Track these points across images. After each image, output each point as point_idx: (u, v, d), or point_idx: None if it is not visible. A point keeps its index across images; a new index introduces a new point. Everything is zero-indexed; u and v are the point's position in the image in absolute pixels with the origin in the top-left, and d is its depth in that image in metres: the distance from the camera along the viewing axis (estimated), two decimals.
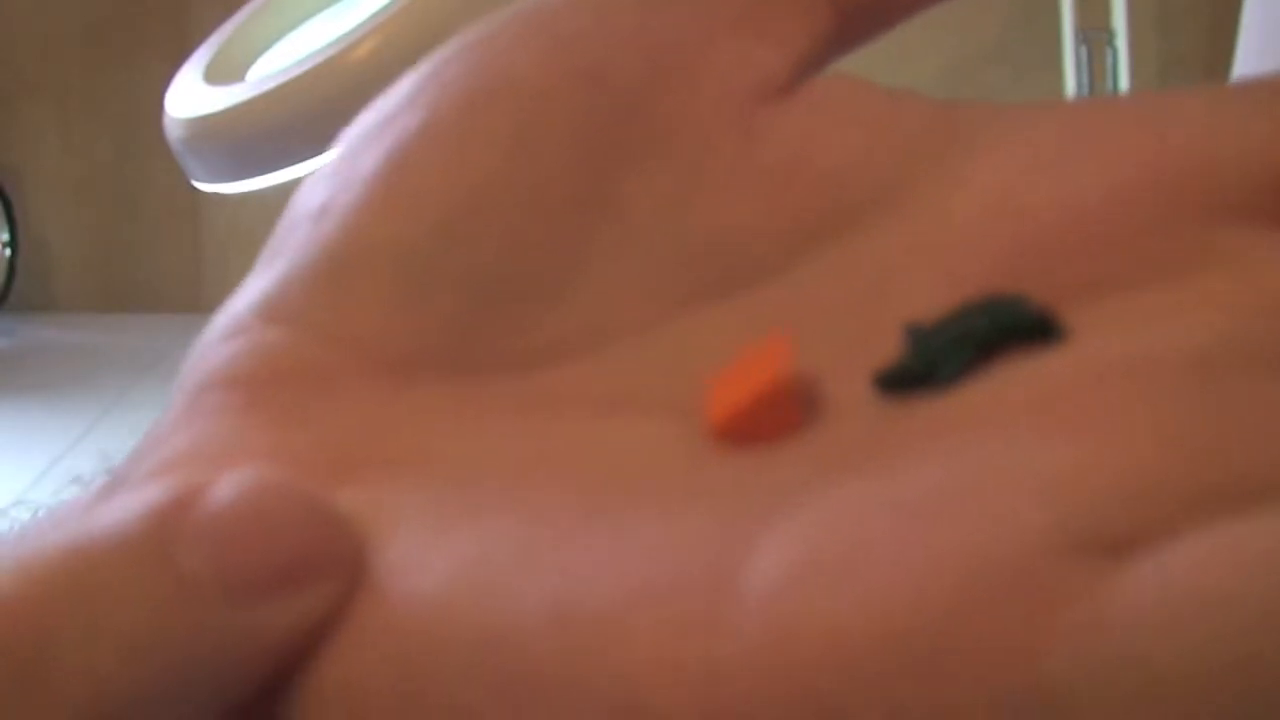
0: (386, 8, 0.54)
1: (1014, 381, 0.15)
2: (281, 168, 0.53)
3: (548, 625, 0.14)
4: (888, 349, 0.16)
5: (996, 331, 0.15)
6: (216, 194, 0.59)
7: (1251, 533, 0.13)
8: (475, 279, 0.17)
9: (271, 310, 0.17)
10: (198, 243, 1.13)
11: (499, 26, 0.19)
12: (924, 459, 0.14)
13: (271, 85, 0.54)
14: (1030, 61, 1.30)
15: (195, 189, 0.60)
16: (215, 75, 0.62)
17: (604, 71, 0.18)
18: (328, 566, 0.15)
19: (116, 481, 0.19)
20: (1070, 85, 0.80)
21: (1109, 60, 0.80)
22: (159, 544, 0.14)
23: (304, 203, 0.18)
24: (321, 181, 0.18)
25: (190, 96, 0.60)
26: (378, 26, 0.53)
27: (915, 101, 0.18)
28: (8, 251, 1.10)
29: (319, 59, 0.53)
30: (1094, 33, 0.80)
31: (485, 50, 0.18)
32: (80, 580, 0.14)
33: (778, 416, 0.16)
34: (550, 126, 0.18)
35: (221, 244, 1.09)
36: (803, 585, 0.13)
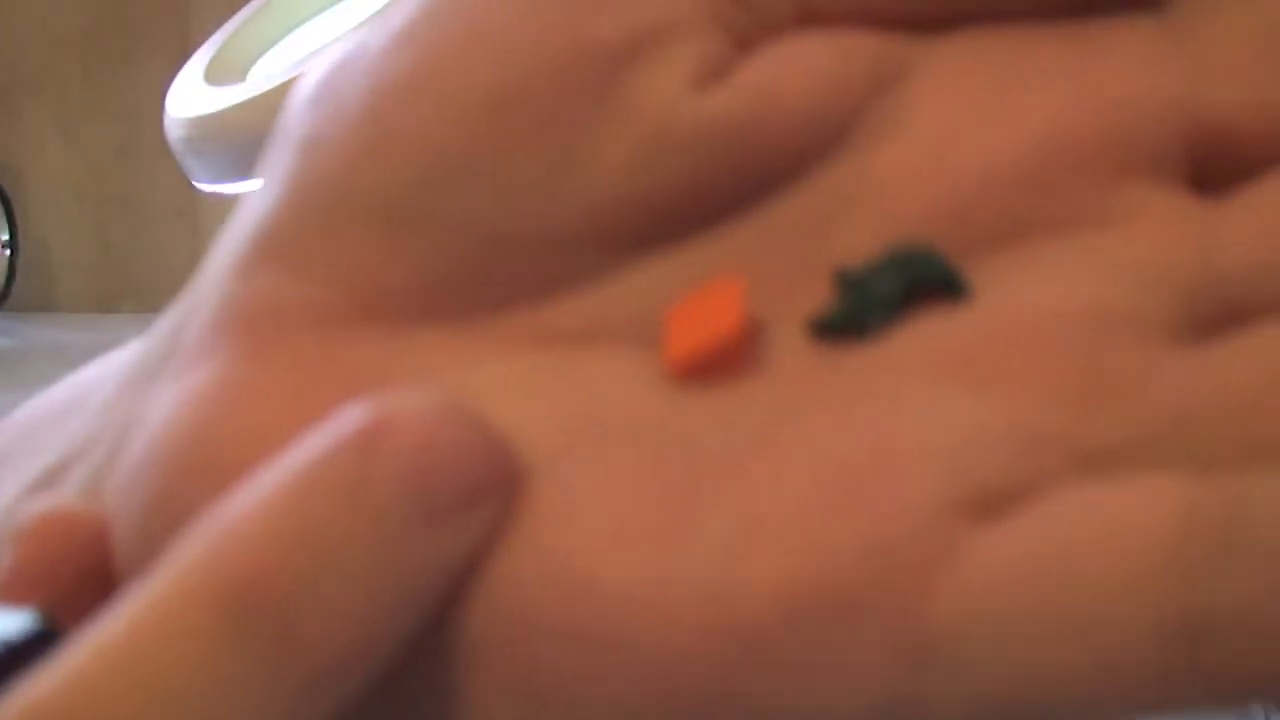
0: (386, 7, 0.54)
1: (926, 338, 0.17)
2: None
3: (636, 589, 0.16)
4: (824, 292, 0.18)
5: (914, 285, 0.18)
6: (216, 194, 0.59)
7: (1099, 500, 0.15)
8: (458, 228, 0.18)
9: (270, 248, 0.18)
10: (198, 243, 1.13)
11: None
12: (851, 420, 0.16)
13: (271, 85, 0.54)
14: None
15: (195, 189, 0.60)
16: (216, 75, 0.61)
17: (591, 37, 0.18)
18: (498, 485, 0.17)
19: (149, 369, 0.20)
20: None
21: None
22: (361, 481, 0.15)
23: (295, 127, 0.20)
24: (312, 106, 0.19)
25: (191, 96, 0.60)
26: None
27: (862, 40, 0.19)
28: (7, 252, 1.10)
29: (319, 59, 0.53)
30: None
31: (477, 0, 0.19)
32: (310, 538, 0.15)
33: (729, 357, 0.18)
34: (535, 83, 0.18)
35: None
36: (742, 543, 0.16)
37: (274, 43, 0.64)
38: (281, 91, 0.53)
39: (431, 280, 0.19)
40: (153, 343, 0.20)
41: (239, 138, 0.54)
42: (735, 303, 0.18)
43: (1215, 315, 0.17)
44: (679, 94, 0.18)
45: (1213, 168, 0.18)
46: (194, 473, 0.18)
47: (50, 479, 0.20)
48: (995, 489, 0.16)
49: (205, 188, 0.59)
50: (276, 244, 0.18)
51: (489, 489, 0.17)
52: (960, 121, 0.18)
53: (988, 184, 0.18)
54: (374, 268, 0.18)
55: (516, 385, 0.18)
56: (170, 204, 1.08)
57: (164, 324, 0.20)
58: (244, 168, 0.54)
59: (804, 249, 0.19)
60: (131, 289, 1.12)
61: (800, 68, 0.19)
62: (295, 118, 0.19)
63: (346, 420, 0.16)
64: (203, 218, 1.07)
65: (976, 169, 0.18)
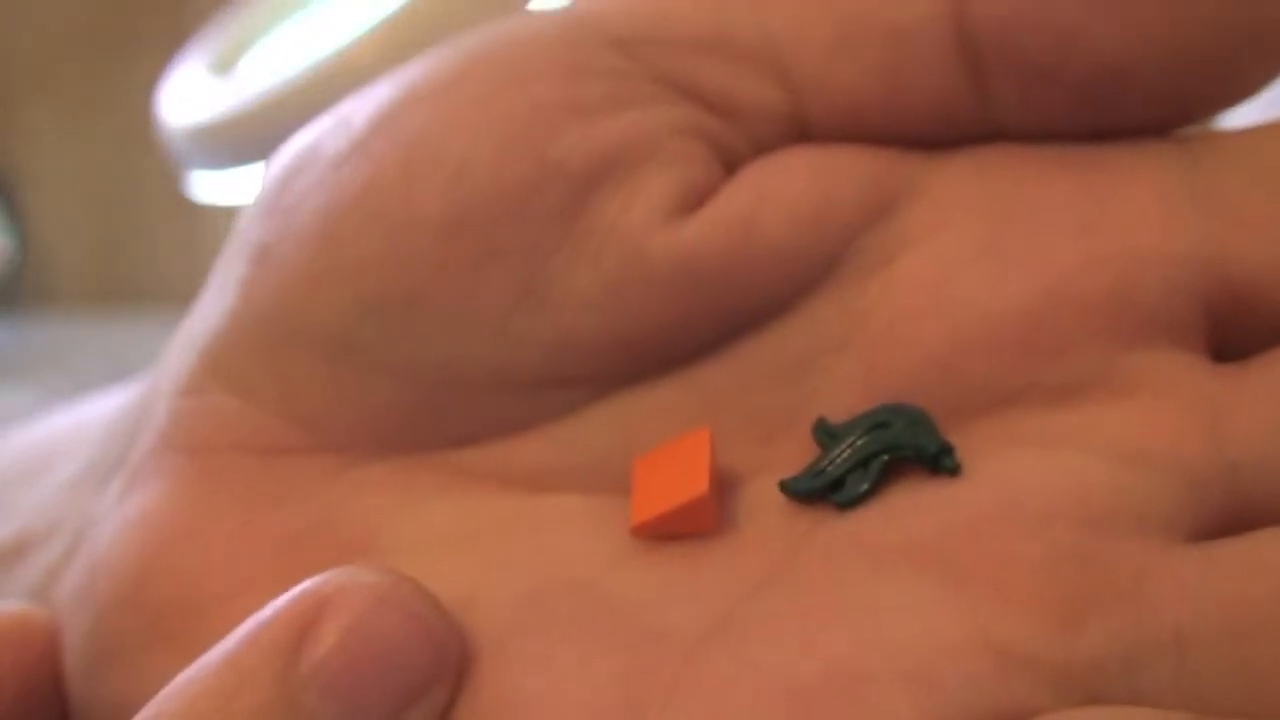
0: (387, 7, 0.53)
1: (905, 520, 0.16)
2: None
3: None
4: (803, 444, 0.17)
5: (899, 454, 0.16)
6: (213, 196, 0.59)
7: None
8: (407, 365, 0.17)
9: (220, 369, 0.18)
10: (198, 243, 1.13)
11: (460, 74, 0.18)
12: (816, 616, 0.15)
13: (271, 86, 0.54)
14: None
15: None
16: (208, 70, 0.61)
17: (556, 157, 0.17)
18: (442, 676, 0.15)
19: (105, 467, 0.19)
20: None
21: None
22: (283, 691, 0.15)
23: (246, 234, 0.19)
24: (266, 215, 0.18)
25: (183, 91, 0.60)
26: (378, 26, 0.53)
27: (852, 163, 0.17)
28: (8, 251, 1.10)
29: (319, 59, 0.53)
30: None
31: (440, 108, 0.17)
32: None
33: (696, 523, 0.16)
34: (491, 208, 0.17)
35: (221, 244, 1.09)
36: None
37: (266, 35, 0.64)
38: (281, 91, 0.53)
39: (382, 415, 0.18)
40: (112, 436, 0.20)
41: (231, 134, 0.54)
42: (702, 462, 0.16)
43: (1227, 510, 0.16)
44: (651, 223, 0.17)
45: (1236, 332, 0.17)
46: (130, 610, 0.17)
47: (7, 555, 0.20)
48: (968, 715, 0.14)
49: (198, 192, 0.59)
50: (227, 366, 0.18)
51: (427, 684, 0.15)
52: (958, 263, 0.17)
53: (983, 339, 0.17)
54: (323, 399, 0.18)
55: (468, 536, 0.17)
56: (170, 204, 1.08)
57: (126, 417, 0.20)
58: (235, 163, 0.54)
59: (785, 395, 0.17)
60: (131, 288, 1.12)
61: (782, 196, 0.17)
62: (248, 224, 0.19)
63: (277, 610, 0.15)
64: (203, 218, 1.07)
65: (972, 321, 0.17)
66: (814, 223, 0.17)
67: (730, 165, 0.18)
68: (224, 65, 0.61)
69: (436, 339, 0.17)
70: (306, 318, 0.18)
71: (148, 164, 1.13)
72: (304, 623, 0.15)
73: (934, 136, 0.18)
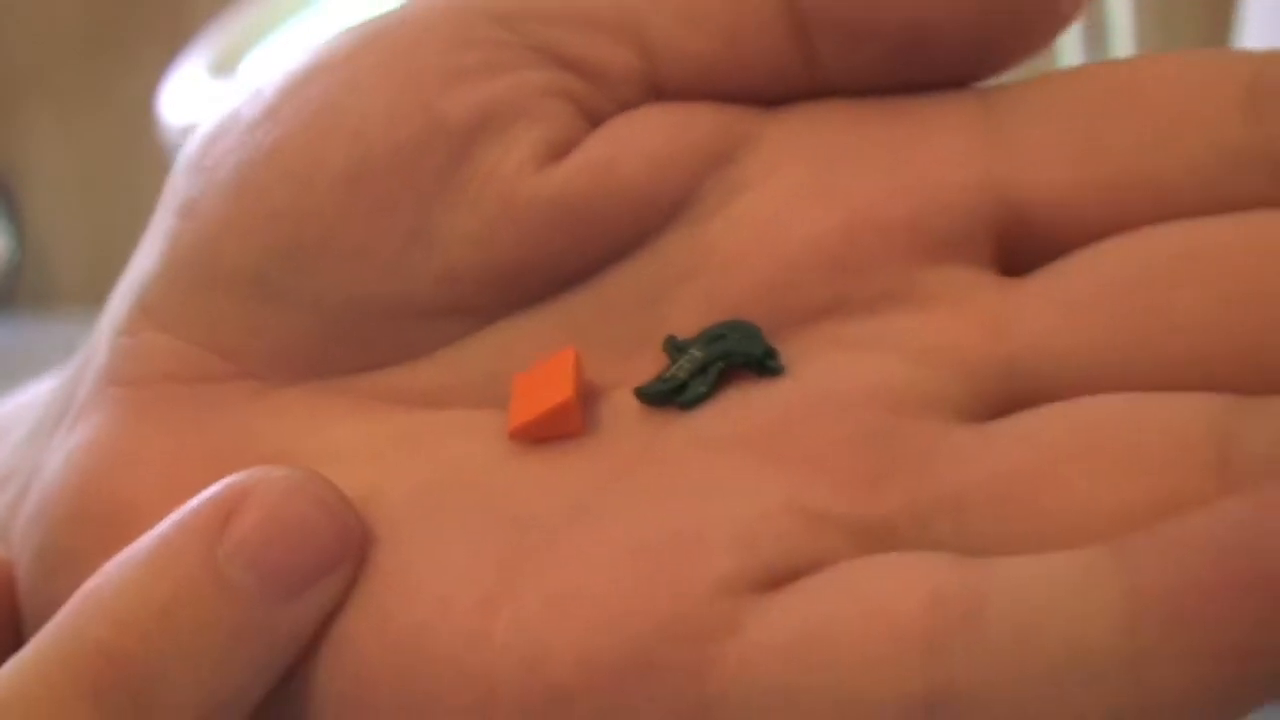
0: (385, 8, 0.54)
1: (738, 415, 0.19)
2: None
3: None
4: (657, 359, 0.20)
5: (734, 359, 0.19)
6: None
7: (862, 578, 0.16)
8: (317, 298, 0.20)
9: (152, 309, 0.20)
10: None
11: (358, 47, 0.20)
12: (661, 494, 0.18)
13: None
14: (1031, 61, 1.30)
15: None
16: (208, 71, 0.62)
17: (444, 114, 0.19)
18: (345, 557, 0.18)
19: (53, 417, 0.22)
20: None
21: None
22: (212, 561, 0.17)
23: (175, 191, 0.22)
24: (190, 172, 0.21)
25: (184, 93, 0.60)
26: None
27: (700, 116, 0.20)
28: (8, 251, 1.10)
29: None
30: (1095, 33, 0.80)
31: (340, 75, 0.20)
32: (167, 616, 0.16)
33: (563, 426, 0.19)
34: (386, 160, 0.19)
35: None
36: (555, 614, 0.17)
37: (266, 37, 0.64)
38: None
39: (295, 345, 0.20)
40: (59, 389, 0.22)
41: None
42: (568, 375, 0.19)
43: (1004, 396, 0.19)
44: (522, 171, 0.20)
45: (1023, 248, 0.19)
46: (74, 525, 0.19)
47: None
48: (780, 565, 0.17)
49: None
50: (157, 306, 0.20)
51: (335, 561, 0.18)
52: (786, 201, 0.20)
53: (806, 263, 0.19)
54: (243, 333, 0.20)
55: (371, 447, 0.20)
56: None
57: (69, 371, 0.23)
58: None
59: (642, 318, 0.20)
60: None
61: (638, 145, 0.20)
62: (176, 181, 0.21)
63: (203, 500, 0.17)
64: None
65: (796, 248, 0.20)
66: (665, 167, 0.20)
67: (595, 121, 0.21)
68: (225, 67, 0.61)
69: (340, 276, 0.20)
70: (226, 261, 0.20)
71: (147, 164, 1.14)
72: (227, 509, 0.17)
73: (773, 94, 0.21)
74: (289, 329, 0.20)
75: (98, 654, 0.16)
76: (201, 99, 0.58)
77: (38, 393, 0.25)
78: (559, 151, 0.20)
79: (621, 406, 0.20)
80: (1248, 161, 0.18)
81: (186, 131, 0.58)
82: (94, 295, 1.15)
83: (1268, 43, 0.84)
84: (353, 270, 0.20)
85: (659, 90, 0.20)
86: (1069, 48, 0.80)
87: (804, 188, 0.20)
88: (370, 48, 0.20)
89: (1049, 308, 0.18)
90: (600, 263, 0.20)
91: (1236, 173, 0.18)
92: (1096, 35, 0.78)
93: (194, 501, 0.18)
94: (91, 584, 0.17)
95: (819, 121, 0.20)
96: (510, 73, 0.20)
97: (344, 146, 0.19)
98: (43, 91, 1.08)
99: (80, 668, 0.16)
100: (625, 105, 0.21)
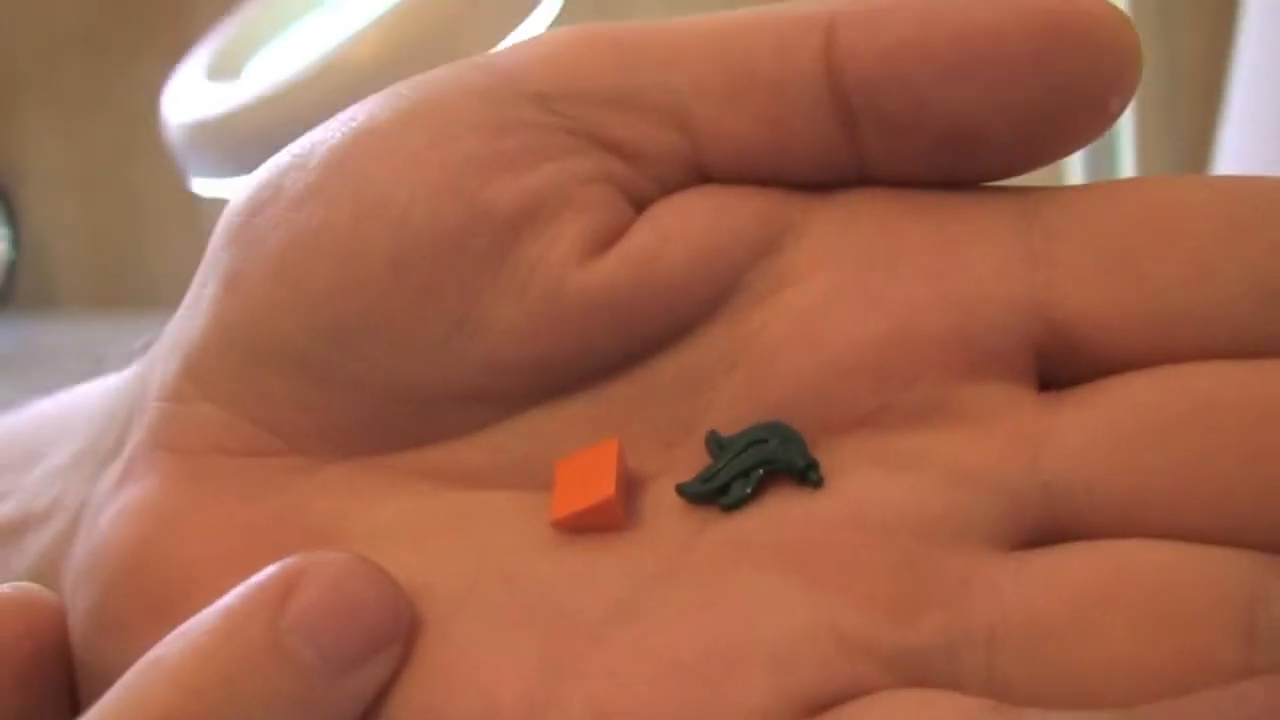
0: (386, 6, 0.54)
1: (777, 524, 0.19)
2: None
3: None
4: (698, 450, 0.20)
5: (775, 466, 0.19)
6: (214, 195, 0.59)
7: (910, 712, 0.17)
8: (360, 381, 0.20)
9: (201, 378, 0.21)
10: (198, 243, 1.13)
11: (402, 125, 0.20)
12: (702, 604, 0.18)
13: (271, 85, 0.54)
14: None
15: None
16: (212, 73, 0.62)
17: (489, 204, 0.19)
18: (398, 635, 0.18)
19: (100, 454, 0.21)
20: None
21: None
22: (274, 635, 0.17)
23: (217, 260, 0.21)
24: (234, 243, 0.21)
25: (188, 94, 0.60)
26: (378, 26, 0.53)
27: (743, 207, 0.20)
28: (8, 251, 1.10)
29: (319, 58, 0.53)
30: None
31: (384, 158, 0.20)
32: (230, 687, 0.17)
33: (605, 520, 0.19)
34: (429, 249, 0.20)
35: None
36: None
37: (269, 40, 0.64)
38: (280, 91, 0.54)
39: (340, 424, 0.20)
40: (104, 427, 0.22)
41: (235, 136, 0.54)
42: (610, 469, 0.19)
43: (1039, 523, 0.19)
44: (568, 263, 0.20)
45: (1063, 362, 0.19)
46: (126, 592, 0.20)
47: (11, 532, 0.23)
48: (816, 691, 0.17)
49: (201, 187, 0.59)
50: (205, 377, 0.20)
51: (390, 639, 0.18)
52: (829, 300, 0.20)
53: (848, 368, 0.19)
54: (289, 410, 0.20)
55: (416, 529, 0.20)
56: (171, 204, 1.08)
57: (116, 408, 0.23)
58: (240, 166, 0.54)
59: (684, 408, 0.20)
60: (131, 288, 1.13)
61: (682, 235, 0.20)
62: (220, 247, 0.21)
63: (264, 576, 0.18)
64: (204, 218, 1.07)
65: (839, 351, 0.20)
66: (709, 259, 0.20)
67: (639, 204, 0.21)
68: (227, 70, 0.61)
69: (384, 360, 0.20)
70: (272, 339, 0.20)
71: (146, 165, 1.14)
72: (286, 585, 0.18)
73: (816, 178, 0.21)
74: (334, 408, 0.20)
75: None
76: (204, 101, 0.58)
77: (69, 409, 0.24)
78: (604, 240, 0.20)
79: (663, 500, 0.20)
80: None
81: (187, 131, 0.58)
82: (92, 295, 1.15)
83: (1268, 43, 0.84)
84: (396, 356, 0.20)
85: (704, 172, 0.20)
86: None
87: (847, 288, 0.20)
88: (413, 128, 0.20)
89: (1087, 438, 0.19)
90: (643, 351, 0.20)
91: (1276, 313, 0.18)
92: None
93: (255, 577, 0.18)
94: (155, 652, 0.17)
95: (862, 215, 0.20)
96: (553, 160, 0.20)
97: (389, 233, 0.20)
98: (43, 92, 1.08)
99: None
100: (669, 186, 0.20)
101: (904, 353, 0.19)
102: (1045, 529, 0.19)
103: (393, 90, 0.21)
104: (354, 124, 0.20)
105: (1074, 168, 0.82)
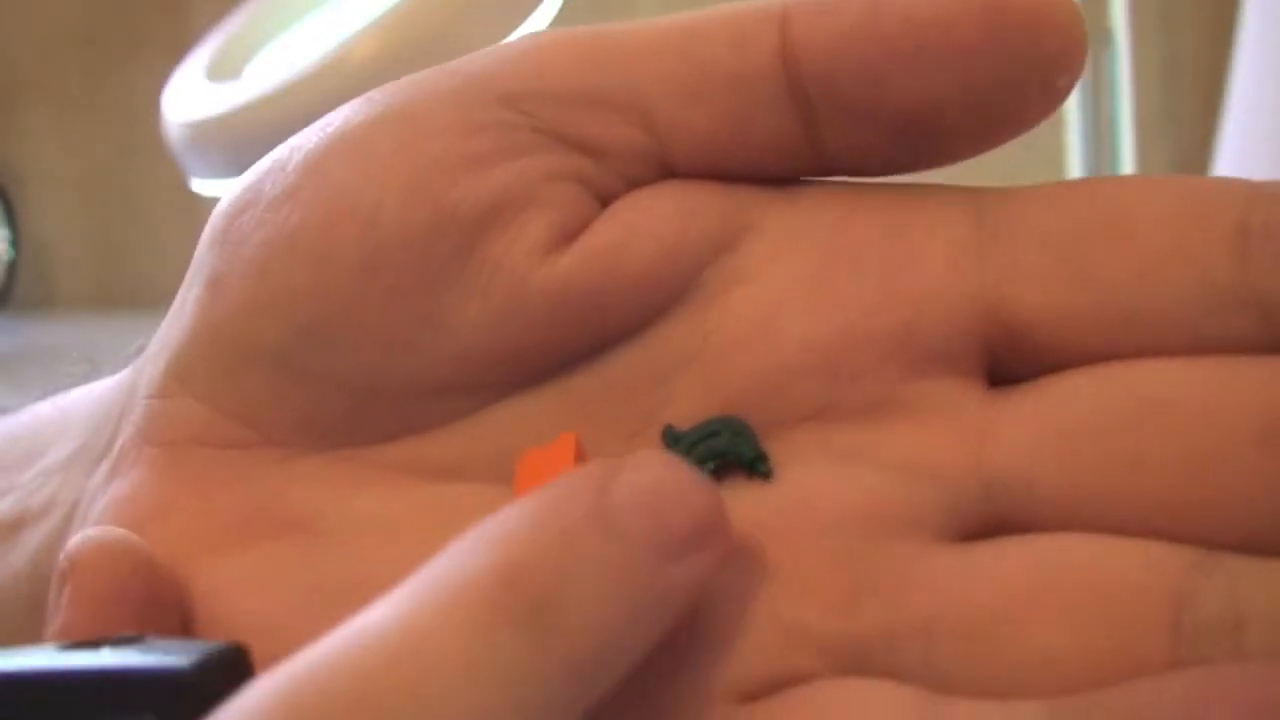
0: (386, 6, 0.54)
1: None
2: None
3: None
4: (657, 442, 0.20)
5: (726, 458, 0.20)
6: (214, 194, 0.59)
7: (829, 706, 0.17)
8: (336, 375, 0.21)
9: (185, 377, 0.21)
10: (197, 243, 1.13)
11: (373, 130, 0.21)
12: None
13: (271, 85, 0.54)
14: None
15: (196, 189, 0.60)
16: (213, 73, 0.62)
17: (454, 204, 0.20)
18: (722, 529, 0.18)
19: (93, 452, 0.22)
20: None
21: (1110, 61, 0.80)
22: (604, 507, 0.17)
23: (202, 263, 0.22)
24: (217, 246, 0.22)
25: (188, 95, 0.60)
26: (377, 26, 0.53)
27: (704, 203, 0.21)
28: (8, 251, 1.10)
29: (319, 59, 0.53)
30: (1095, 33, 0.80)
31: (356, 161, 0.21)
32: (566, 545, 0.17)
33: None
34: (399, 249, 0.20)
35: None
36: None
37: (269, 40, 0.64)
38: (281, 91, 0.54)
39: (317, 417, 0.21)
40: (97, 426, 0.23)
41: (236, 136, 0.54)
42: (569, 462, 0.20)
43: (981, 515, 0.19)
44: (530, 259, 0.20)
45: (1011, 359, 0.20)
46: None
47: (9, 528, 0.23)
48: (757, 676, 0.18)
49: (202, 187, 0.59)
50: (189, 375, 0.21)
51: (715, 534, 0.18)
52: (783, 297, 0.20)
53: (800, 365, 0.20)
54: (268, 404, 0.21)
55: (391, 521, 0.21)
56: (170, 204, 1.08)
57: (110, 408, 0.23)
58: (241, 165, 0.54)
59: (643, 400, 0.21)
60: (131, 288, 1.13)
61: (643, 232, 0.21)
62: (205, 249, 0.22)
63: (584, 468, 0.18)
64: (203, 218, 1.07)
65: (791, 348, 0.20)
66: (670, 255, 0.21)
67: (606, 200, 0.21)
68: (227, 70, 0.61)
69: (357, 355, 0.21)
70: (252, 338, 0.21)
71: (146, 166, 1.14)
72: (609, 473, 0.18)
73: (777, 172, 0.21)
74: (311, 402, 0.21)
75: (504, 574, 0.16)
76: (204, 102, 0.58)
77: (63, 410, 0.25)
78: (568, 236, 0.21)
79: None
80: (1234, 302, 0.19)
81: (187, 131, 0.58)
82: (92, 296, 1.15)
83: (1268, 42, 0.84)
84: (368, 350, 0.21)
85: (668, 167, 0.21)
86: None
87: (802, 285, 0.20)
88: (384, 132, 0.21)
89: (1029, 434, 0.19)
90: (605, 344, 0.21)
91: (1223, 312, 0.19)
92: (1098, 37, 0.78)
93: (573, 472, 0.18)
94: (479, 528, 0.17)
95: (819, 213, 0.21)
96: (519, 159, 0.20)
97: (359, 233, 0.20)
98: (42, 92, 1.08)
99: (486, 587, 0.16)
100: (634, 182, 0.21)
101: (853, 350, 0.20)
102: (987, 522, 0.19)
103: (367, 96, 0.21)
104: (329, 129, 0.21)
105: (1074, 168, 0.82)
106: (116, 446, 0.22)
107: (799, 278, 0.20)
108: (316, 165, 0.21)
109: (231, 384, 0.21)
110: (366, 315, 0.20)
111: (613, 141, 0.21)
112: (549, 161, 0.20)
